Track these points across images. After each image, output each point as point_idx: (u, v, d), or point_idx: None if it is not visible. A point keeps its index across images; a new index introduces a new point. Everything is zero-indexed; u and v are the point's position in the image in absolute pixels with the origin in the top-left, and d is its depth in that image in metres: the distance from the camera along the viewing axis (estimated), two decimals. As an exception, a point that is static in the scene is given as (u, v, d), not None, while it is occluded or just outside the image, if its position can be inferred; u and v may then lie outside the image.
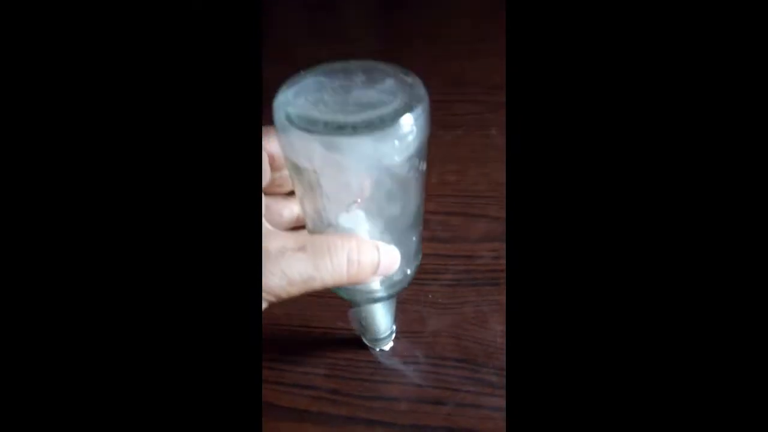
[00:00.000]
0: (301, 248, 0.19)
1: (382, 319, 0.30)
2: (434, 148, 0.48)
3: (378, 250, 0.21)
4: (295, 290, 0.19)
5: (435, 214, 0.42)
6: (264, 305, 0.21)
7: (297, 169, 0.19)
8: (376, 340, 0.32)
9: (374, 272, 0.21)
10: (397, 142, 0.17)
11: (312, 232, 0.23)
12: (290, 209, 0.25)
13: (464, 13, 0.74)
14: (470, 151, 0.48)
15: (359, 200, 0.20)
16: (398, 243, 0.22)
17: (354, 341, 0.34)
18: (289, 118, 0.17)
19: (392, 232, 0.22)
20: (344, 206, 0.20)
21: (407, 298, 0.36)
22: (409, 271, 0.25)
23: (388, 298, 0.27)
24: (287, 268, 0.19)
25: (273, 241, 0.19)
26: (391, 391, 0.32)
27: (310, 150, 0.17)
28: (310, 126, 0.16)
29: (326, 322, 0.36)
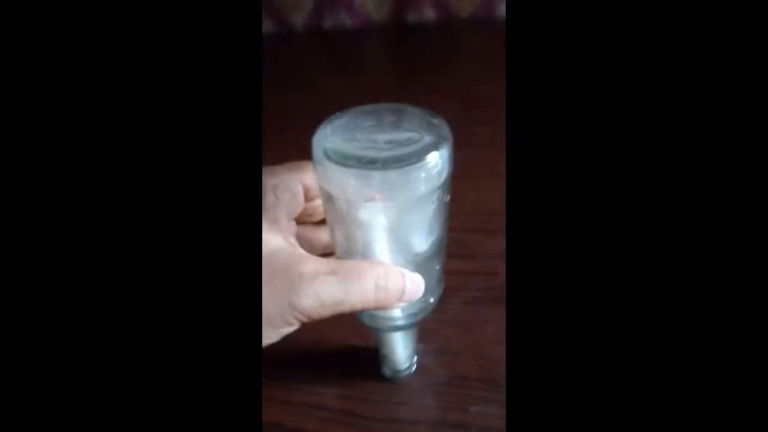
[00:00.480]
0: (333, 272, 0.20)
1: (402, 350, 0.28)
2: None
3: (404, 277, 0.21)
4: (326, 312, 0.20)
5: (452, 231, 0.41)
6: (296, 326, 0.21)
7: (330, 199, 0.20)
8: (396, 372, 0.30)
9: (400, 299, 0.21)
10: (423, 175, 0.18)
11: (340, 258, 0.23)
12: (319, 237, 0.26)
13: (476, 44, 0.77)
14: (486, 168, 0.48)
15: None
16: (422, 271, 0.23)
17: (370, 360, 0.31)
18: (326, 153, 0.19)
19: (417, 260, 0.22)
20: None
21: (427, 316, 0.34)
22: (432, 299, 0.25)
23: (410, 326, 0.26)
24: (320, 291, 0.19)
25: (307, 264, 0.20)
26: (411, 413, 0.29)
27: (344, 182, 0.18)
28: (345, 160, 0.18)
29: (340, 339, 0.34)
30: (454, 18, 0.85)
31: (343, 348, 0.33)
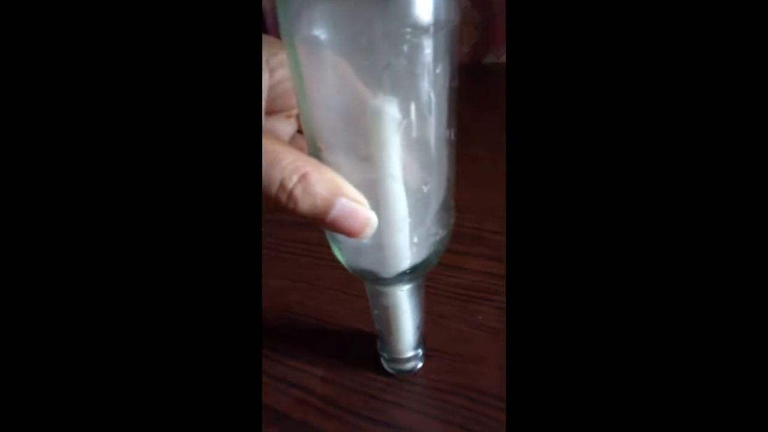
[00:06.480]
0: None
1: (404, 326, 0.22)
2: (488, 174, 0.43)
3: (338, 196, 0.16)
4: None
5: (496, 233, 0.35)
6: None
7: (299, 60, 0.16)
8: (397, 361, 0.24)
9: (323, 218, 0.16)
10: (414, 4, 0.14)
11: (317, 152, 0.18)
12: (286, 131, 0.21)
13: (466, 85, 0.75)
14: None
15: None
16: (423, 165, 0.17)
17: (371, 350, 0.26)
18: None
19: (415, 145, 0.17)
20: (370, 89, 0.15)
21: (449, 314, 0.28)
22: (439, 236, 0.19)
23: (397, 280, 0.20)
24: None
25: None
26: (405, 418, 0.23)
27: (313, 15, 0.14)
28: None
29: (342, 319, 0.29)
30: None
31: (343, 330, 0.28)
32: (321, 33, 0.14)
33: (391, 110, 0.15)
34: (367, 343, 0.26)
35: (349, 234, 0.16)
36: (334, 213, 0.16)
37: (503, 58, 0.86)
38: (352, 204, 0.16)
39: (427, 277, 0.31)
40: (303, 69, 0.15)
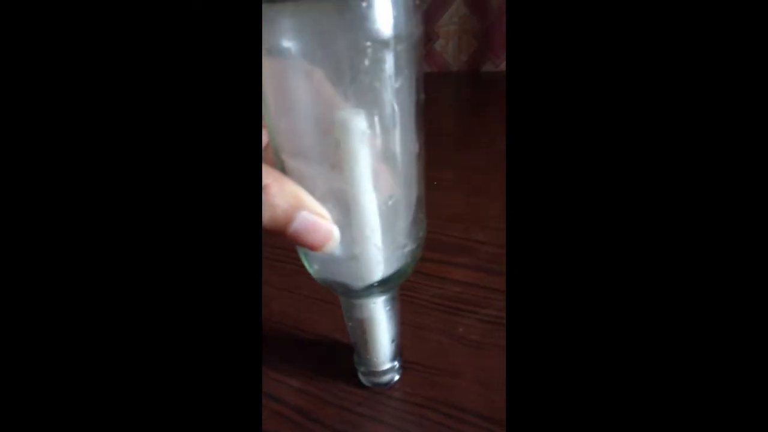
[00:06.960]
0: None
1: (378, 339, 0.22)
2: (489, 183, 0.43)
3: (300, 208, 0.16)
4: None
5: (483, 244, 0.35)
6: None
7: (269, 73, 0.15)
8: (373, 374, 0.24)
9: (283, 231, 0.16)
10: (369, 13, 0.14)
11: (280, 162, 0.17)
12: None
13: (466, 91, 0.82)
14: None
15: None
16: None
17: (349, 362, 0.25)
18: None
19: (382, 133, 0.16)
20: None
21: (429, 325, 0.28)
22: (408, 247, 0.19)
23: (368, 292, 0.19)
24: None
25: None
26: (378, 433, 0.22)
27: (275, 28, 0.14)
28: None
29: (322, 329, 0.28)
30: (447, 71, 0.93)
31: (323, 340, 0.28)
32: (283, 45, 0.14)
33: (357, 121, 0.15)
34: (346, 354, 0.26)
35: (311, 247, 0.16)
36: (295, 226, 0.16)
37: (501, 67, 0.86)
38: (313, 217, 0.16)
39: (408, 287, 0.31)
40: (265, 81, 0.15)
